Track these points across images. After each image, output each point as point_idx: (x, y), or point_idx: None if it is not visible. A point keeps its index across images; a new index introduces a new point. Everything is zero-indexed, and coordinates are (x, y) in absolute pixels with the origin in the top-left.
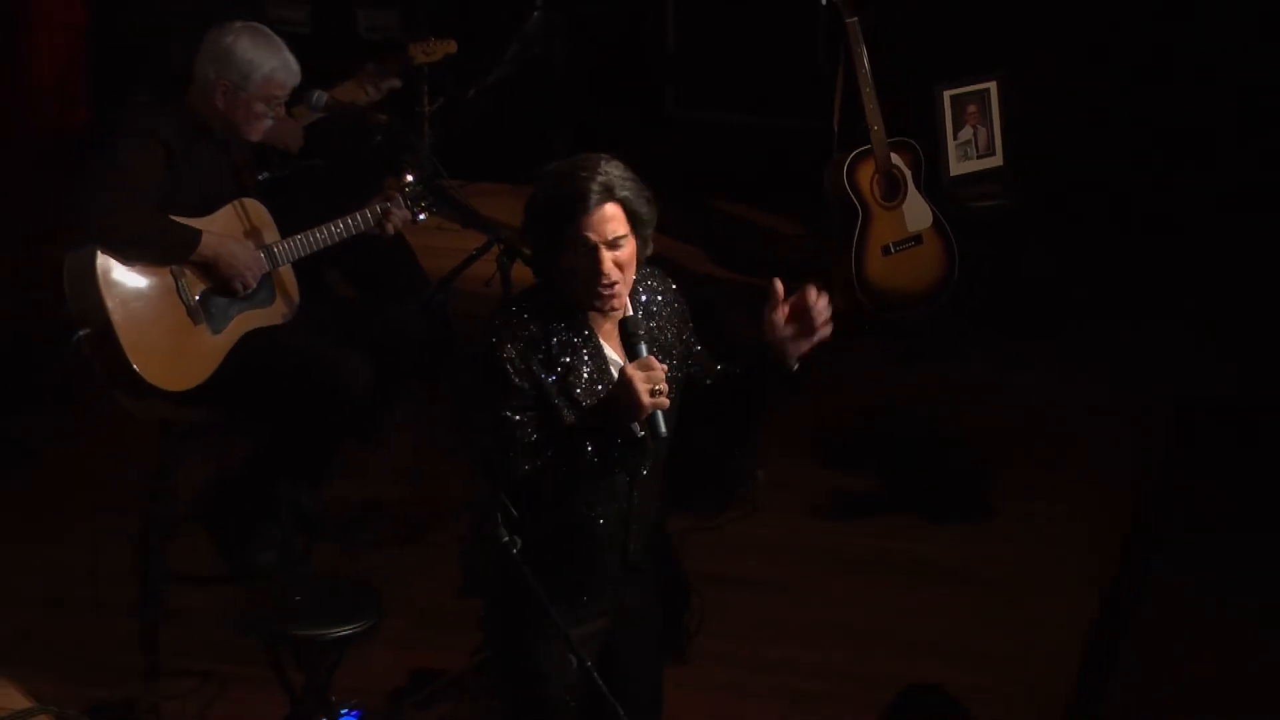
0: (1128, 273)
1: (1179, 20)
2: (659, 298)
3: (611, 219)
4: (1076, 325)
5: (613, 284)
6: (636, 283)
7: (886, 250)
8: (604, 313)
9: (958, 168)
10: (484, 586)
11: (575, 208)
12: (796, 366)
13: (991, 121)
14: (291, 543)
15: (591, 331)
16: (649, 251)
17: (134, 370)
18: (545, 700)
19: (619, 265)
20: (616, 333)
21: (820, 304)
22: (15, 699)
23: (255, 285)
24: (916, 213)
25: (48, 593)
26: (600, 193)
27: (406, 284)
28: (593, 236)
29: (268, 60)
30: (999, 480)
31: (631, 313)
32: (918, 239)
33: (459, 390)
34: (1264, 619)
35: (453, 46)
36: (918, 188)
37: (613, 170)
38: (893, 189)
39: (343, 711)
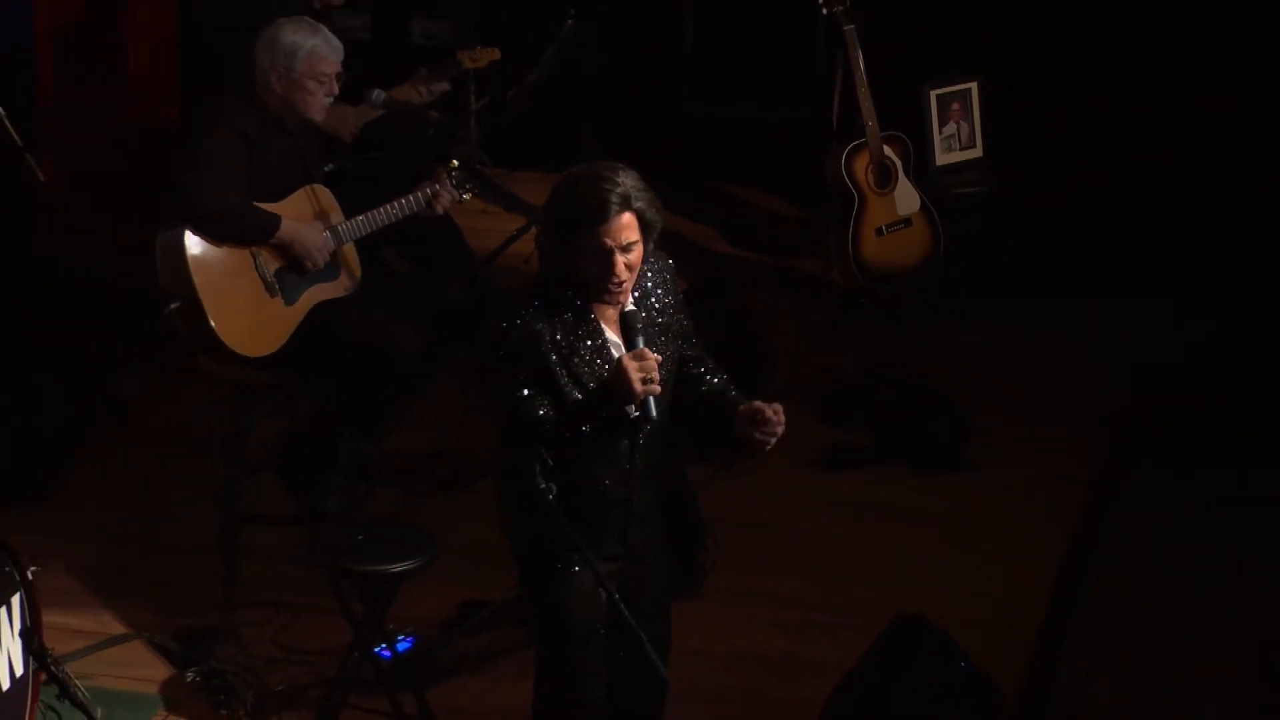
0: (1093, 249)
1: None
2: (659, 282)
3: (627, 227)
4: (1046, 295)
5: (621, 282)
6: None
7: (879, 232)
8: (608, 303)
9: (942, 159)
10: (518, 529)
11: (595, 215)
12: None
13: (972, 117)
14: (353, 488)
15: (595, 318)
16: (652, 248)
17: (218, 339)
18: (573, 629)
19: (628, 266)
20: (612, 319)
21: (774, 421)
22: (114, 626)
23: (320, 261)
24: (906, 198)
25: (141, 532)
26: (619, 203)
27: (455, 260)
28: (609, 242)
29: (308, 39)
30: (978, 432)
31: (632, 305)
32: (907, 221)
33: (482, 365)
34: (1214, 552)
35: (497, 54)
36: (907, 176)
37: (630, 182)
38: (885, 177)
39: (399, 638)
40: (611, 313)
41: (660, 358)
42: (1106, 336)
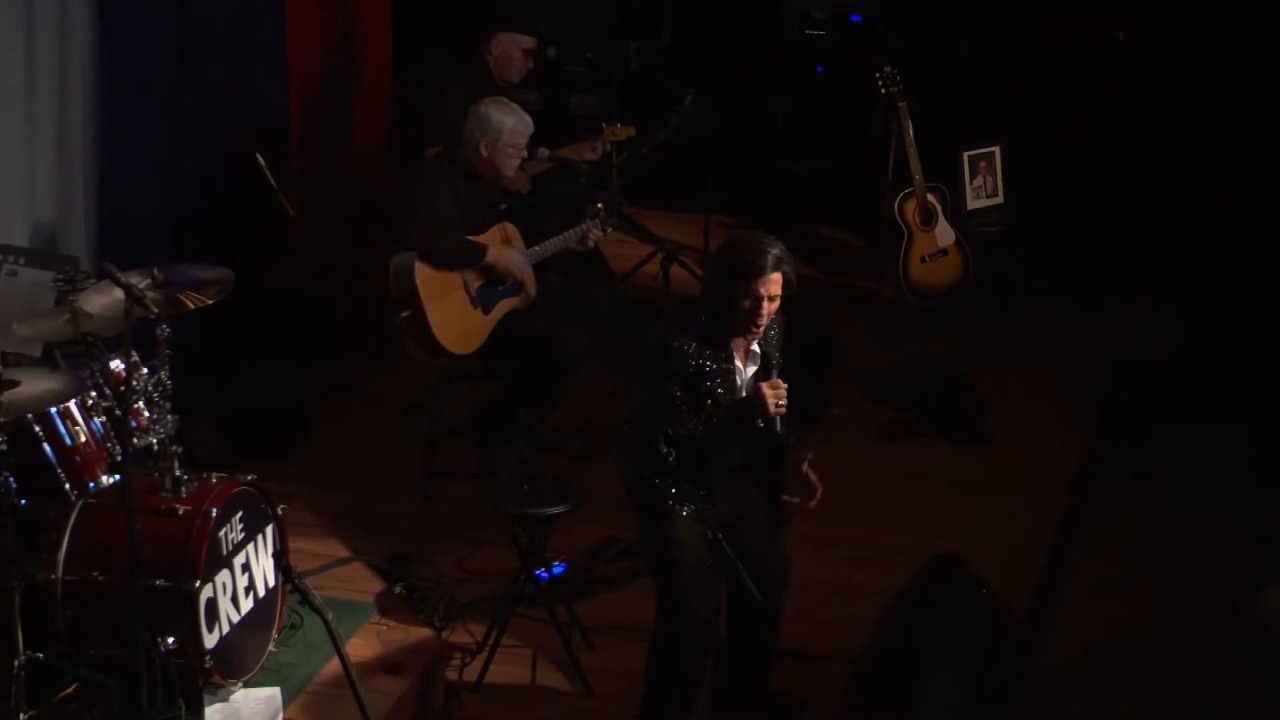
0: (1087, 271)
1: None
2: (775, 332)
3: (775, 283)
4: (1049, 306)
5: (761, 325)
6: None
7: (923, 259)
8: (744, 338)
9: (972, 204)
10: (637, 484)
11: (756, 270)
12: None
13: (996, 173)
14: (522, 450)
15: (730, 351)
16: None
17: (437, 340)
18: (682, 560)
19: (769, 314)
20: (742, 350)
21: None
22: (341, 550)
23: (520, 274)
24: (944, 234)
25: (361, 481)
26: (774, 264)
27: (600, 278)
28: (762, 291)
29: (510, 118)
30: (997, 412)
31: (763, 344)
32: (945, 252)
33: (639, 359)
34: (1183, 502)
35: (633, 131)
36: (945, 217)
37: (781, 250)
38: (928, 217)
39: (554, 564)
40: (743, 345)
41: (786, 387)
42: (1096, 336)
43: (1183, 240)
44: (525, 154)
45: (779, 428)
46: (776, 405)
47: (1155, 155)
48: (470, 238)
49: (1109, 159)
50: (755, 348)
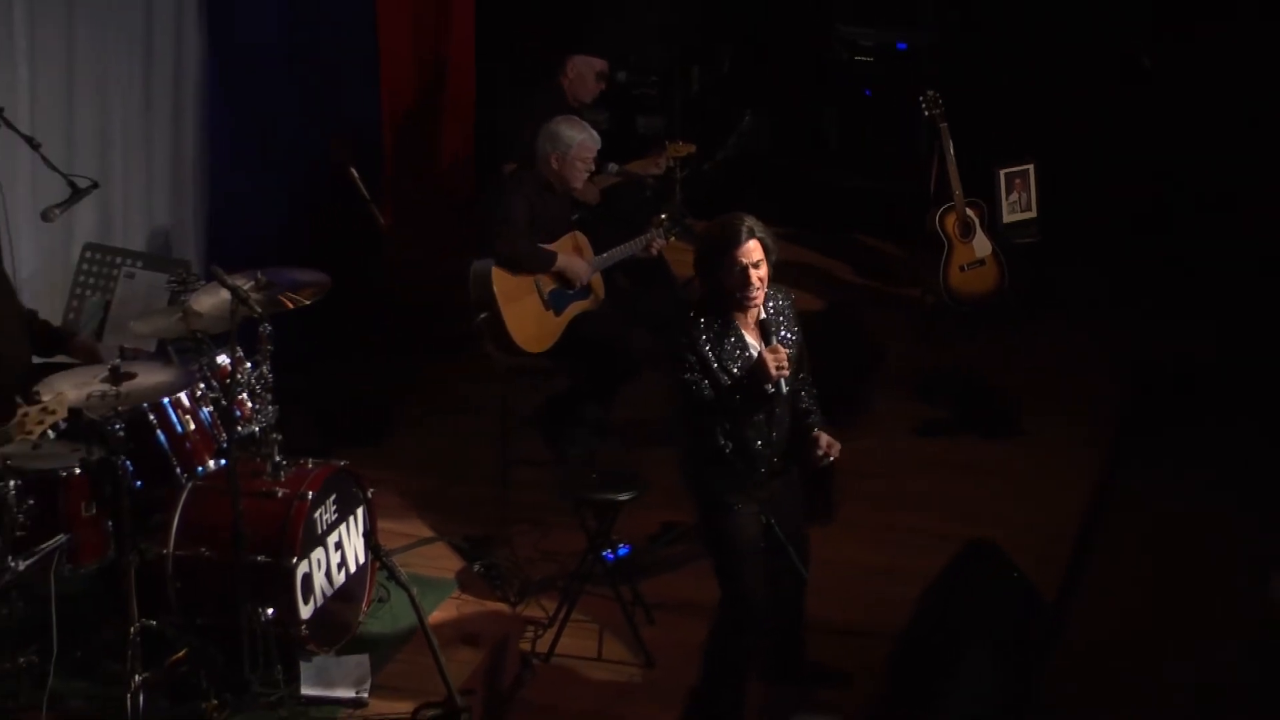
0: (1112, 280)
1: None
2: (783, 305)
3: (755, 249)
4: (1078, 312)
5: (755, 290)
6: (768, 297)
7: (962, 269)
8: (746, 312)
9: (1008, 218)
10: (696, 477)
11: (732, 242)
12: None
13: (1030, 189)
14: (590, 441)
15: (736, 326)
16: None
17: (513, 340)
18: (741, 548)
19: (760, 279)
20: (753, 326)
21: (825, 454)
22: (424, 531)
23: (585, 285)
24: (982, 245)
25: (443, 467)
26: (747, 233)
27: (663, 283)
28: (744, 260)
29: (579, 134)
30: (1026, 410)
31: (765, 315)
32: (982, 261)
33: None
34: (1201, 493)
35: (693, 148)
36: (983, 229)
37: (752, 220)
38: (967, 230)
39: (619, 546)
40: (748, 323)
41: (788, 352)
42: (1123, 340)
43: (1206, 250)
44: (593, 168)
45: (784, 389)
46: (777, 368)
47: (1180, 170)
48: (543, 245)
49: (1137, 175)
50: (764, 317)
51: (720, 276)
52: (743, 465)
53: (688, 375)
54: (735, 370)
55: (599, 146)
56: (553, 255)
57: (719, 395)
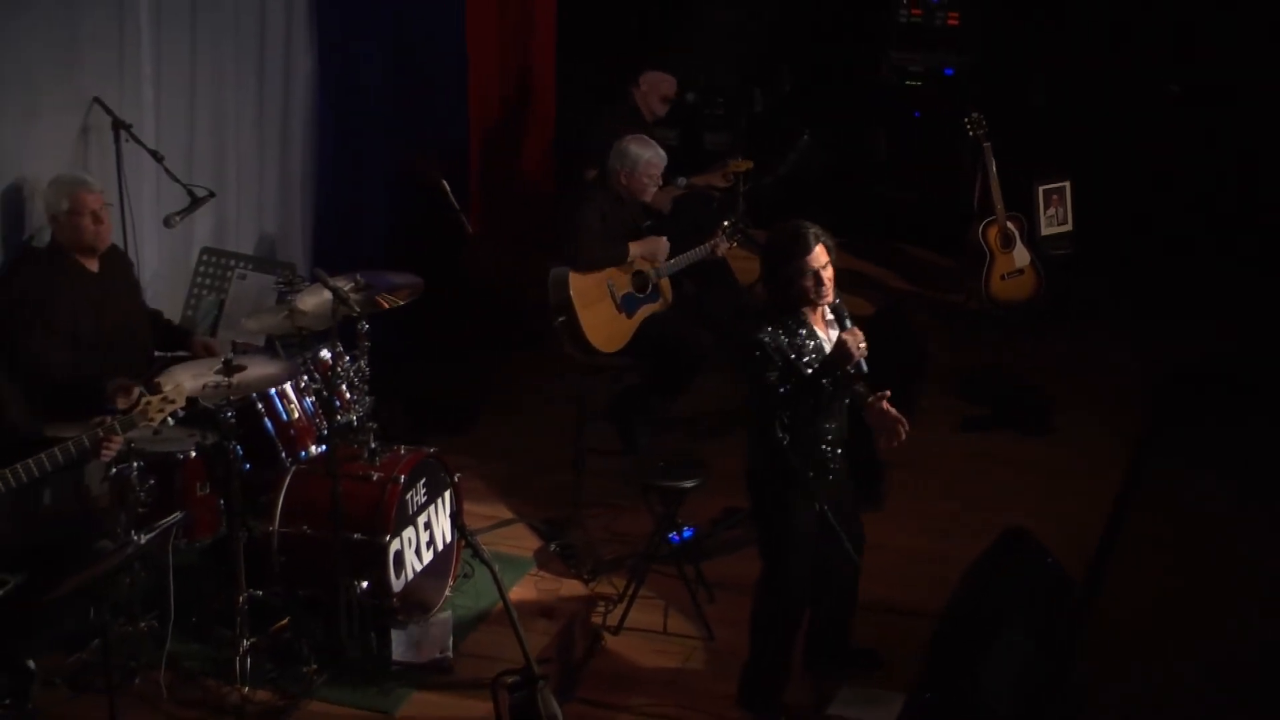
0: (1142, 287)
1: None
2: (838, 304)
3: (823, 253)
4: (1109, 316)
5: (826, 289)
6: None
7: (1003, 277)
8: (815, 309)
9: (1045, 231)
10: (759, 468)
11: (803, 249)
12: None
13: (1066, 204)
14: (658, 433)
15: (807, 321)
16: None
17: (588, 341)
18: (793, 553)
19: (829, 279)
20: (819, 320)
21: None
22: (505, 513)
23: (654, 282)
24: (1021, 255)
25: (523, 454)
26: (815, 238)
27: (726, 288)
28: (814, 264)
29: (645, 153)
30: (1060, 408)
31: (831, 309)
32: (1021, 271)
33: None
34: (1222, 489)
35: (751, 165)
36: (1023, 241)
37: (816, 227)
38: (1008, 241)
39: (684, 529)
40: (816, 318)
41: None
42: (1151, 345)
43: (1233, 261)
44: (659, 183)
45: (864, 368)
46: (859, 347)
47: (1208, 184)
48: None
49: (1168, 191)
50: (830, 315)
51: (792, 279)
52: (809, 454)
53: (765, 370)
54: (812, 360)
55: (665, 163)
56: (625, 249)
57: (799, 386)
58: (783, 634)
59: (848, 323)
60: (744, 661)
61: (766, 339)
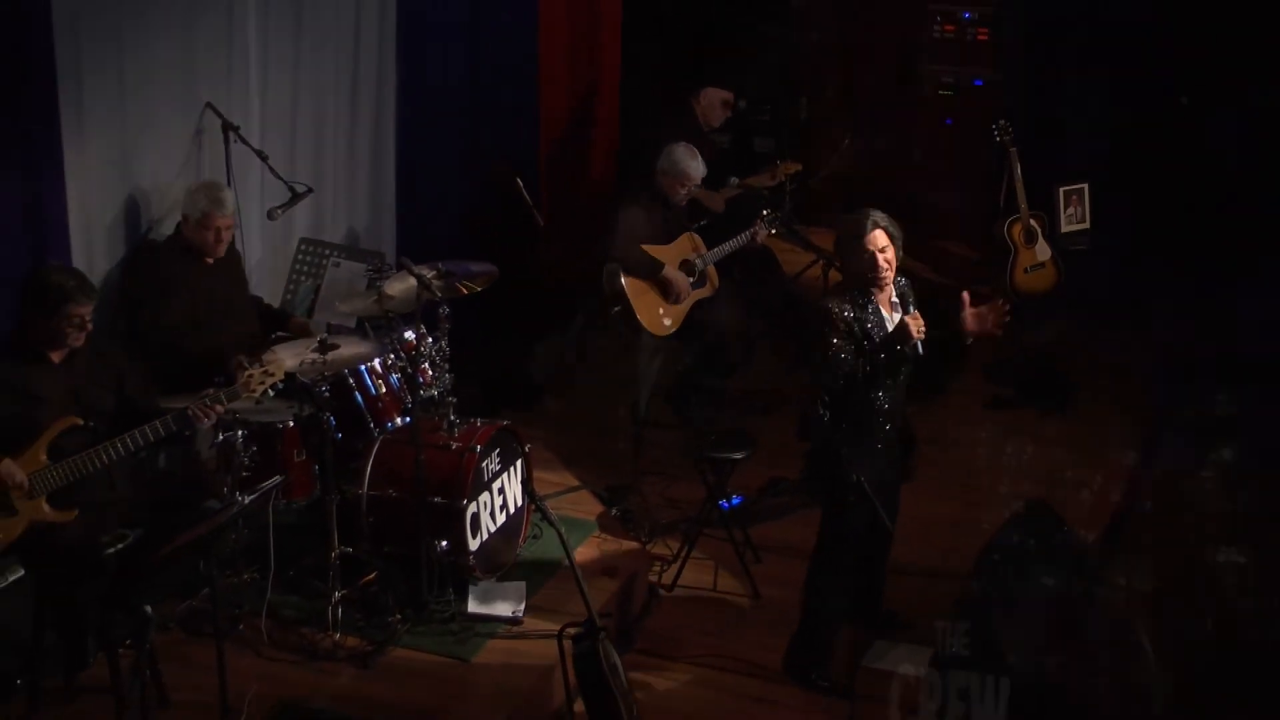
0: (1154, 281)
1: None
2: (904, 287)
3: (881, 236)
4: (1123, 307)
5: (885, 272)
6: (894, 281)
7: (1026, 270)
8: (880, 289)
9: (1065, 228)
10: (813, 435)
11: (861, 232)
12: (969, 341)
13: (1085, 204)
14: (709, 408)
15: (873, 301)
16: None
17: (643, 326)
18: (853, 529)
19: (888, 262)
20: (885, 301)
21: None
22: (571, 480)
23: (685, 295)
24: (1043, 251)
25: (587, 427)
26: (872, 224)
27: (771, 276)
28: (871, 246)
29: (686, 162)
30: (1082, 393)
31: (896, 293)
32: (1043, 264)
33: (806, 332)
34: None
35: (799, 167)
36: (1044, 237)
37: (878, 214)
38: (1031, 237)
39: (734, 497)
40: (882, 299)
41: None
42: (1163, 334)
43: (1241, 256)
44: (690, 193)
45: (920, 349)
46: (919, 330)
47: (1216, 186)
48: (658, 247)
49: (1180, 192)
50: (895, 299)
51: (855, 260)
52: (870, 425)
53: (835, 341)
54: (877, 337)
55: (700, 176)
56: (659, 265)
57: (864, 359)
58: (833, 606)
59: (911, 308)
60: (792, 633)
61: (834, 308)
